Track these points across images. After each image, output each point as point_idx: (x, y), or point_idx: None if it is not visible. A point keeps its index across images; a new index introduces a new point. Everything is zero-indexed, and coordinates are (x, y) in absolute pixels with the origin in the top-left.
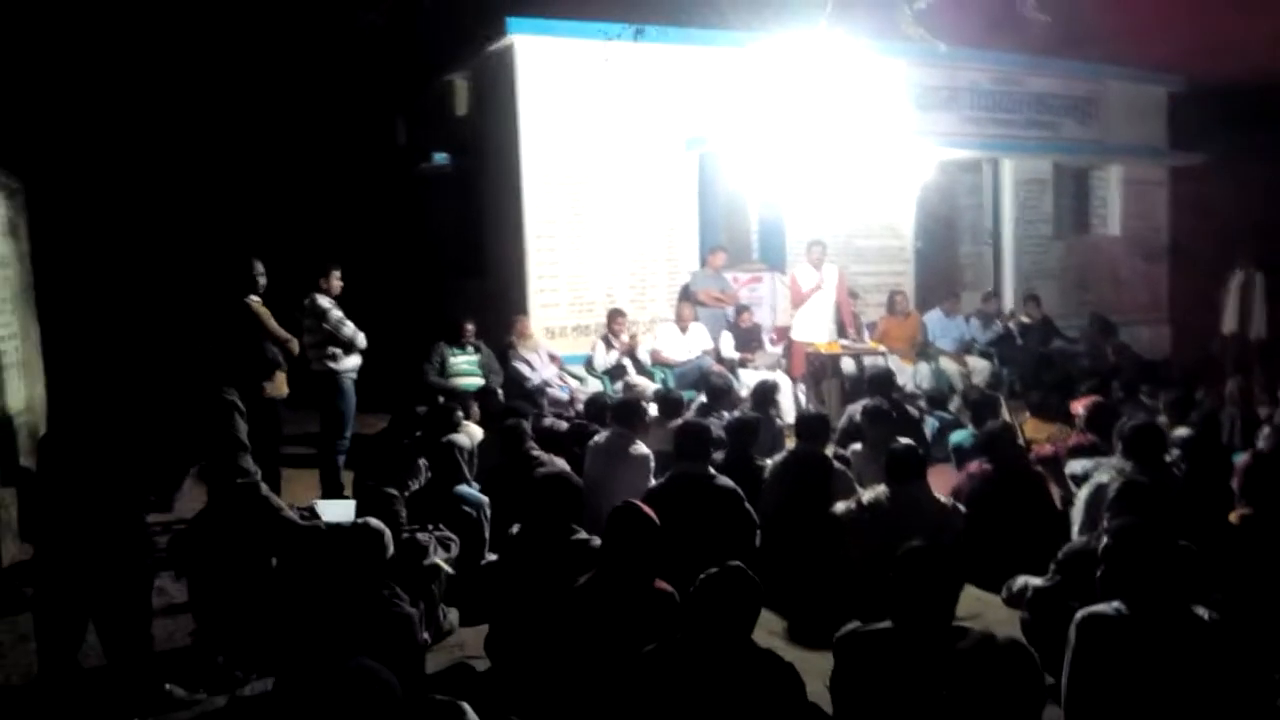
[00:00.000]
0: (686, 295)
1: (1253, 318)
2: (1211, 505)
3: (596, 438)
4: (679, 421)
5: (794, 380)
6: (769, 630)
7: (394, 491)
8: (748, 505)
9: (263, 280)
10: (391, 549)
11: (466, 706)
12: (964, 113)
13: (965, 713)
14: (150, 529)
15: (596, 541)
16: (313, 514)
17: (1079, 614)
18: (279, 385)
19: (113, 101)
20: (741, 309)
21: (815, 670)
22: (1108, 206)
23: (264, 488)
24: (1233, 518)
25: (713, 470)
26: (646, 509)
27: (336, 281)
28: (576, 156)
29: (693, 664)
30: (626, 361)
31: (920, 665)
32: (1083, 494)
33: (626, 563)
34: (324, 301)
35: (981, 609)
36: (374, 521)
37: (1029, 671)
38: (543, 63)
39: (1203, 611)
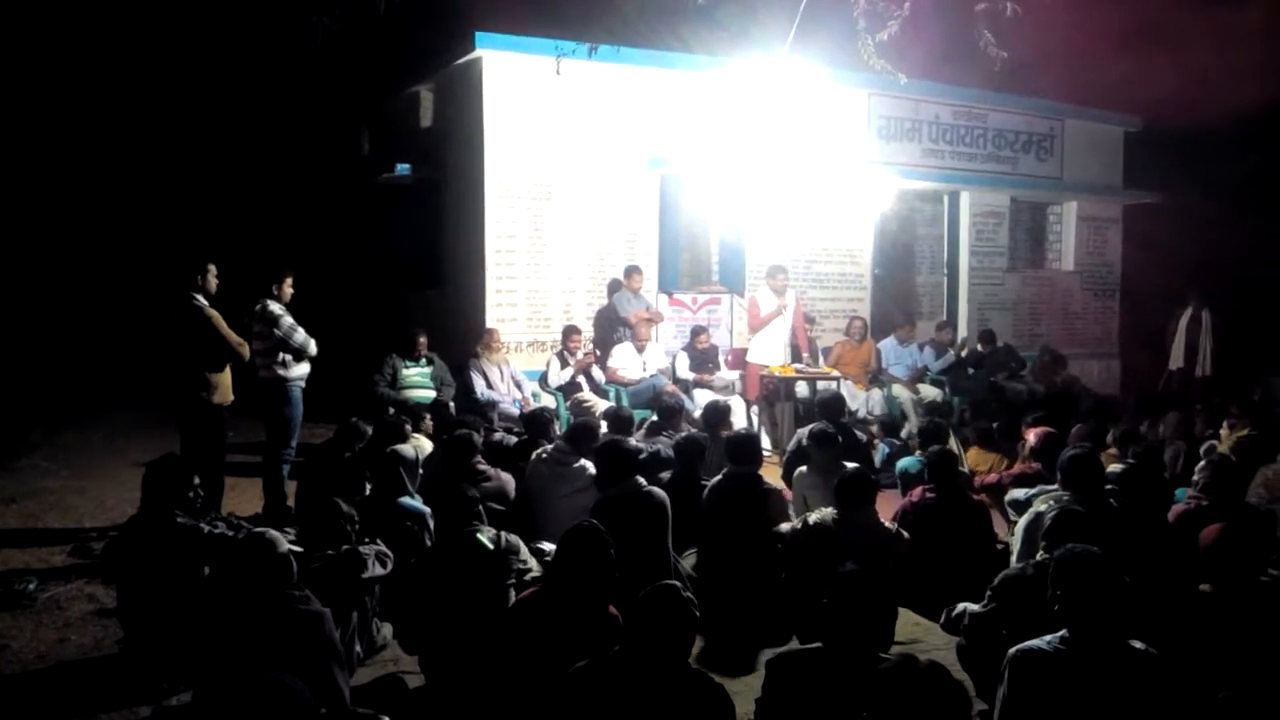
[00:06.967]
0: (613, 317)
1: (1199, 355)
2: (1144, 538)
3: (539, 451)
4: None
5: (748, 403)
6: (699, 651)
7: (341, 502)
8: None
9: (214, 283)
10: (284, 552)
11: None
12: (924, 144)
13: None
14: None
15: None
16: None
17: (1013, 651)
18: (224, 391)
19: (76, 105)
20: (699, 330)
21: (749, 691)
22: (1063, 241)
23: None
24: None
25: (643, 482)
26: (604, 533)
27: (289, 288)
28: (539, 172)
29: (623, 681)
30: (581, 379)
31: (843, 687)
32: (1022, 522)
33: (579, 584)
34: (275, 308)
35: (920, 635)
36: (270, 532)
37: (949, 694)
38: (509, 78)
39: (1139, 644)
